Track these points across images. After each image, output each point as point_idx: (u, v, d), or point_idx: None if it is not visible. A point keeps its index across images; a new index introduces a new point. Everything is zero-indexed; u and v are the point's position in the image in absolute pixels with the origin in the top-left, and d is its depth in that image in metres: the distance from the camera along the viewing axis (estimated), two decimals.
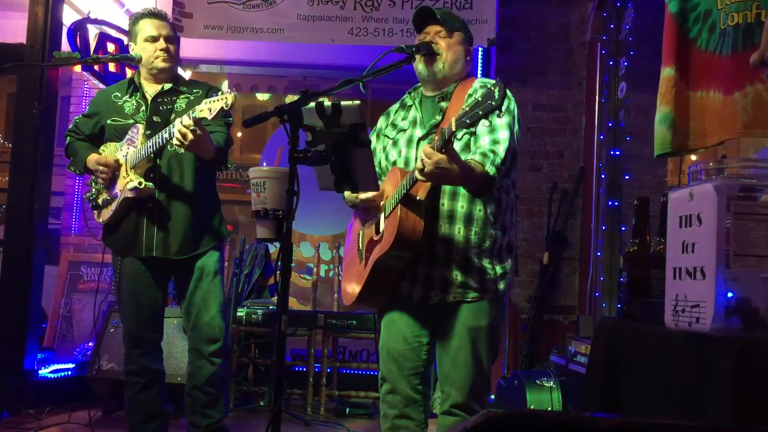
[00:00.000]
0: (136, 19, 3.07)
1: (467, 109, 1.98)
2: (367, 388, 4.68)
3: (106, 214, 3.03)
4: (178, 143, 2.75)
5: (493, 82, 2.25)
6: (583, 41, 5.21)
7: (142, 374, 3.05)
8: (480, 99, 1.97)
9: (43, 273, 4.41)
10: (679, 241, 1.58)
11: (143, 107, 3.05)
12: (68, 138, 3.17)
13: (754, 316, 1.44)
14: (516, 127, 2.30)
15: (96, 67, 4.90)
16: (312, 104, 1.99)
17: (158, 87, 3.06)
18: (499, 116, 2.20)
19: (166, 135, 2.80)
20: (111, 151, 3.03)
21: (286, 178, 1.98)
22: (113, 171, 2.98)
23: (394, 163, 2.39)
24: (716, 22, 2.43)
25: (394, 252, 2.19)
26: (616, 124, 4.60)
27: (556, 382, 3.66)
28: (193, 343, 3.07)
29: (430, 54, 2.35)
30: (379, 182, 2.35)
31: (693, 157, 3.49)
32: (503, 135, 2.24)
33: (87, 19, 4.98)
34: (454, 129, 1.97)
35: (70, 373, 4.59)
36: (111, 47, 5.01)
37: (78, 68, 5.08)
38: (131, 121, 3.02)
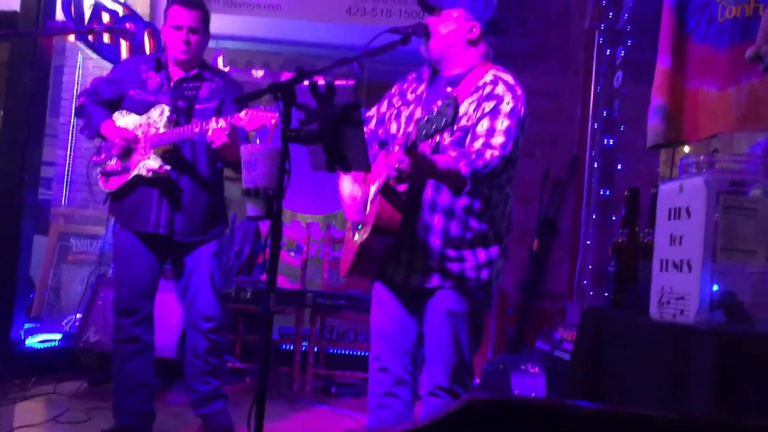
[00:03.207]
0: (169, 2, 3.14)
1: (426, 120, 2.03)
2: (354, 367, 4.70)
3: (115, 183, 3.10)
4: (210, 142, 2.83)
5: (489, 80, 2.23)
6: (581, 28, 5.19)
7: (132, 343, 3.11)
8: (440, 110, 2.00)
9: (31, 243, 4.40)
10: (667, 233, 1.59)
11: (166, 87, 3.11)
12: (82, 98, 3.20)
13: (739, 311, 1.45)
14: (518, 133, 2.21)
15: (90, 38, 4.86)
16: (306, 83, 1.97)
17: (183, 71, 3.12)
18: (498, 115, 2.18)
19: (197, 130, 2.87)
20: (127, 123, 3.08)
21: (278, 156, 1.97)
22: (130, 144, 3.03)
23: (394, 137, 2.38)
24: (714, 15, 2.43)
25: (373, 238, 2.22)
26: (610, 114, 4.60)
27: (540, 368, 3.69)
28: (190, 319, 3.19)
29: (426, 35, 2.33)
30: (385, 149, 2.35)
31: (686, 149, 3.50)
32: (498, 140, 2.17)
33: None
34: (414, 138, 2.00)
35: (57, 343, 4.59)
36: (106, 17, 4.95)
37: (72, 38, 5.03)
38: (152, 98, 3.08)
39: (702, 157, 1.59)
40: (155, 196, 3.05)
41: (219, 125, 2.80)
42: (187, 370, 3.22)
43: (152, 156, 3.01)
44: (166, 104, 3.04)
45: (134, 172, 3.04)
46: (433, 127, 2.07)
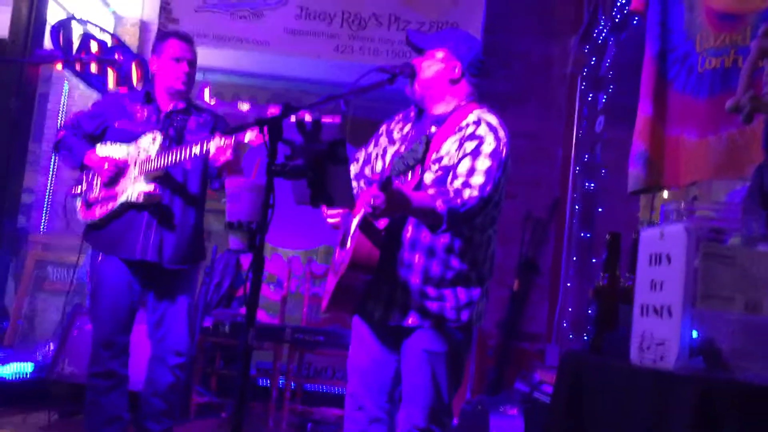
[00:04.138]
0: (164, 35, 3.20)
1: (400, 157, 2.24)
2: (331, 404, 4.65)
3: (99, 211, 3.05)
4: (215, 158, 2.84)
5: (473, 120, 2.25)
6: (564, 73, 5.28)
7: (108, 377, 3.05)
8: (413, 147, 2.24)
9: (8, 270, 4.34)
10: (647, 278, 1.60)
11: (155, 118, 3.11)
12: (63, 132, 3.17)
13: (718, 357, 1.46)
14: (500, 174, 2.21)
15: (77, 67, 4.87)
16: (293, 119, 1.99)
17: (172, 103, 3.15)
18: (479, 155, 2.20)
19: (197, 149, 2.86)
20: (111, 152, 3.06)
21: (262, 190, 1.97)
22: (118, 171, 3.01)
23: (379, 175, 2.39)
24: (694, 65, 2.48)
25: (350, 274, 2.22)
26: (591, 158, 4.66)
27: (519, 410, 3.67)
28: (158, 353, 3.11)
29: (413, 75, 2.36)
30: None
31: (666, 194, 3.55)
32: (478, 180, 2.17)
33: (71, 18, 4.94)
34: (388, 173, 2.04)
35: (28, 375, 4.50)
36: (94, 47, 4.97)
37: (59, 66, 5.03)
38: (140, 128, 3.07)
39: (682, 205, 1.61)
40: (144, 221, 3.02)
41: (223, 142, 2.80)
42: (141, 407, 3.11)
43: (143, 181, 2.99)
44: (157, 133, 3.04)
45: (122, 198, 3.01)
46: (405, 163, 2.21)
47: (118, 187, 3.03)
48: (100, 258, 3.08)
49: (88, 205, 3.08)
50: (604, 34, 4.51)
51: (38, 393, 4.29)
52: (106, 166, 3.00)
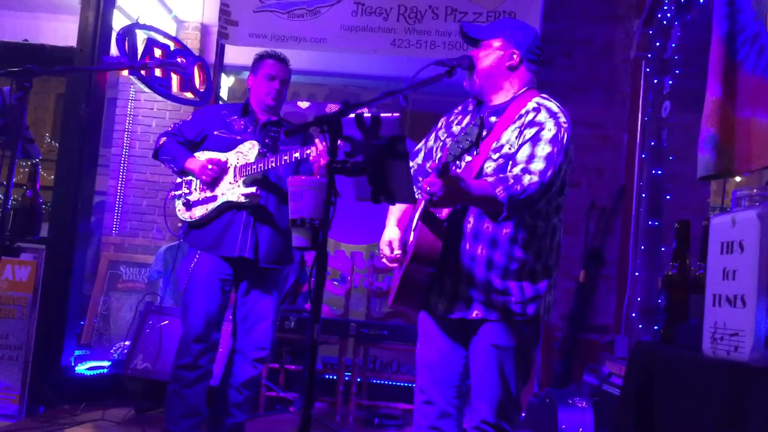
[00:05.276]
0: (262, 56, 3.37)
1: (455, 142, 2.21)
2: (397, 398, 4.66)
3: (198, 212, 3.23)
4: (315, 159, 3.01)
5: (532, 107, 2.23)
6: (626, 58, 5.16)
7: (194, 369, 3.17)
8: (467, 131, 2.22)
9: (83, 271, 4.49)
10: (719, 267, 1.55)
11: (252, 129, 3.30)
12: (164, 138, 3.34)
13: None
14: (561, 160, 2.18)
15: (142, 72, 5.00)
16: (352, 115, 1.99)
17: (267, 116, 3.34)
18: (539, 141, 2.17)
19: (296, 154, 3.04)
20: (211, 156, 3.23)
21: (324, 188, 1.99)
22: (220, 173, 3.19)
23: None
24: (765, 46, 2.38)
25: (413, 267, 2.22)
26: (658, 143, 4.53)
27: (588, 403, 3.61)
28: (240, 346, 3.26)
29: (471, 67, 2.34)
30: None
31: (737, 179, 3.43)
32: (538, 166, 2.14)
33: (136, 25, 5.08)
34: (444, 160, 2.00)
35: (105, 370, 4.66)
36: (158, 52, 5.10)
37: (125, 72, 5.18)
38: (238, 137, 3.26)
39: (755, 191, 1.55)
40: (242, 221, 3.19)
41: (323, 146, 2.97)
42: (216, 399, 3.26)
43: (242, 184, 3.16)
44: (255, 141, 3.22)
45: (223, 199, 3.18)
46: (461, 147, 2.19)
47: (217, 189, 3.20)
48: (197, 256, 3.24)
49: (188, 206, 3.25)
50: (668, 16, 4.38)
51: (115, 389, 4.46)
52: (209, 168, 3.17)
